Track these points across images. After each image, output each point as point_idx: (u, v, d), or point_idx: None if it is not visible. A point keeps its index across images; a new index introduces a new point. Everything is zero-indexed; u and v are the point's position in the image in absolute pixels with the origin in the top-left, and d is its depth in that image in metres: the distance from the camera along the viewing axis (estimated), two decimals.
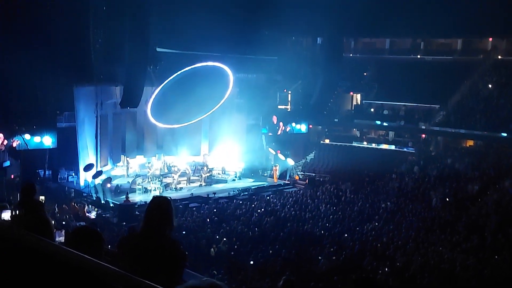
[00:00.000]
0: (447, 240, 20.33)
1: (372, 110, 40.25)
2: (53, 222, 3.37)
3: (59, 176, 29.42)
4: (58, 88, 28.34)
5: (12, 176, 25.47)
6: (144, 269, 3.46)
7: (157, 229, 3.64)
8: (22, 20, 26.39)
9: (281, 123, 36.69)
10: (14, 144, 25.25)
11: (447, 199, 26.38)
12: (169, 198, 3.93)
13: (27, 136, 25.96)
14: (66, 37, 27.15)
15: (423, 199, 26.96)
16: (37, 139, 26.72)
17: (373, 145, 38.68)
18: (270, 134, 36.44)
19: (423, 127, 36.47)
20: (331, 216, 23.56)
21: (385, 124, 38.32)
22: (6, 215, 6.11)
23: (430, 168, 31.77)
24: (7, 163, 25.33)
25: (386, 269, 17.07)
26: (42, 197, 19.46)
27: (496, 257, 18.03)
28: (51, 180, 28.92)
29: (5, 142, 24.61)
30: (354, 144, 39.11)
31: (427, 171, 31.39)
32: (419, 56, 42.10)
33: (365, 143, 39.13)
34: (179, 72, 30.39)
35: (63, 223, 20.48)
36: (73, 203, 24.52)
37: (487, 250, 18.76)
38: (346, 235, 20.94)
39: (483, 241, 19.96)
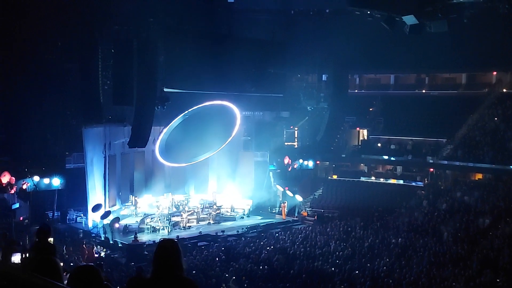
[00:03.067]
0: (460, 275, 20.02)
1: (379, 145, 40.28)
2: (62, 264, 3.41)
3: (67, 217, 29.43)
4: (67, 129, 28.75)
5: (21, 218, 25.53)
6: None
7: (167, 271, 3.64)
8: (31, 62, 26.98)
9: (289, 161, 36.76)
10: (24, 186, 25.43)
11: (459, 234, 26.08)
12: (175, 239, 3.95)
13: (36, 178, 26.14)
14: (75, 79, 27.71)
15: (433, 234, 26.69)
16: (46, 180, 26.91)
17: (381, 180, 38.57)
18: (278, 170, 36.46)
19: (431, 161, 36.38)
20: (341, 253, 23.32)
21: (392, 158, 38.29)
22: (17, 258, 6.16)
23: (439, 202, 31.55)
24: (16, 205, 25.45)
25: None
26: (51, 239, 19.43)
27: None
28: (60, 221, 28.92)
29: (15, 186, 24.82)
30: (362, 179, 39.03)
31: (436, 205, 31.16)
32: (424, 91, 42.33)
33: (373, 178, 39.03)
34: (186, 112, 30.72)
35: (71, 264, 20.39)
36: (82, 245, 24.48)
37: (501, 285, 18.44)
38: (357, 271, 20.66)
39: (496, 275, 19.64)
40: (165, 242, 3.86)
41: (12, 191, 24.78)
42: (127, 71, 25.82)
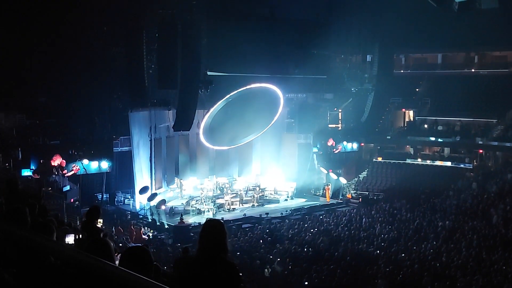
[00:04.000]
0: (511, 258, 19.49)
1: (425, 126, 39.44)
2: (112, 245, 3.49)
3: (116, 199, 30.21)
4: (114, 114, 29.37)
5: (72, 200, 26.36)
6: None
7: (212, 252, 3.67)
8: (79, 49, 27.60)
9: (333, 143, 36.47)
10: (74, 170, 26.23)
11: (509, 216, 25.35)
12: (222, 220, 3.97)
13: (85, 161, 26.89)
14: (121, 64, 28.19)
15: (483, 216, 26.03)
16: (94, 163, 27.64)
17: (428, 162, 37.79)
18: (320, 153, 36.24)
19: (480, 142, 35.36)
20: (386, 235, 23.07)
21: (439, 140, 37.45)
22: (70, 239, 6.36)
23: (489, 184, 30.69)
24: (67, 188, 26.28)
25: None
26: (100, 221, 20.04)
27: None
28: (109, 203, 29.73)
29: (65, 171, 25.64)
30: (408, 161, 38.35)
31: (486, 187, 30.33)
32: (473, 70, 41.07)
33: (419, 160, 38.28)
34: (230, 95, 30.84)
35: (120, 244, 20.96)
36: (131, 226, 25.12)
37: None
38: (403, 254, 20.41)
39: None
40: (212, 222, 3.89)
41: (67, 174, 25.57)
42: (171, 55, 26.06)
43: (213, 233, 3.75)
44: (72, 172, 26.03)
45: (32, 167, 24.99)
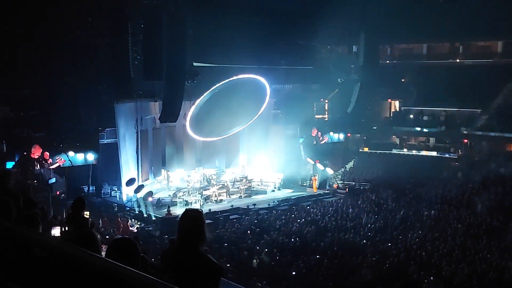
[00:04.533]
0: (495, 247, 19.77)
1: (411, 116, 39.70)
2: (99, 237, 3.49)
3: (102, 191, 30.06)
4: (99, 105, 29.14)
5: (58, 193, 26.17)
6: (183, 282, 3.55)
7: (190, 242, 3.69)
8: (63, 39, 27.28)
9: (319, 133, 36.57)
10: (59, 162, 26.01)
11: (493, 205, 25.68)
12: (200, 210, 3.97)
13: (71, 153, 26.69)
14: (106, 55, 27.94)
15: (468, 206, 26.34)
16: (80, 155, 27.44)
17: (414, 152, 38.10)
18: (306, 143, 36.32)
19: (465, 132, 35.70)
20: (373, 225, 23.27)
21: (425, 130, 37.75)
22: (56, 231, 6.33)
23: (474, 173, 31.03)
24: (53, 180, 26.07)
25: (432, 278, 16.72)
26: (87, 213, 19.89)
27: None
28: (95, 195, 29.57)
29: (50, 160, 25.36)
30: (394, 151, 38.61)
31: (471, 176, 30.66)
32: (458, 60, 41.29)
33: (405, 150, 38.57)
34: (216, 86, 30.74)
35: (107, 237, 20.89)
36: (118, 218, 25.01)
37: None
38: (389, 244, 20.61)
39: None
40: (189, 212, 3.89)
41: (52, 166, 25.35)
42: (157, 46, 25.90)
43: (191, 222, 3.76)
44: (57, 164, 25.80)
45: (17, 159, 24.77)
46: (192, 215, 3.83)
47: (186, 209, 4.10)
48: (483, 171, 31.00)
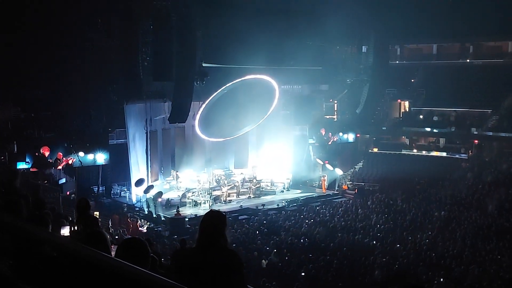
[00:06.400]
0: (506, 248, 19.62)
1: (421, 116, 39.49)
2: (108, 237, 3.51)
3: (112, 192, 30.18)
4: (109, 106, 29.29)
5: (68, 193, 26.34)
6: (204, 281, 3.56)
7: (212, 240, 3.76)
8: (74, 41, 27.45)
9: (330, 134, 36.48)
10: (70, 162, 26.22)
11: (504, 206, 25.49)
12: (224, 212, 4.03)
13: (81, 154, 26.85)
14: (116, 56, 28.07)
15: (478, 206, 26.16)
16: (90, 156, 27.59)
17: (424, 153, 37.91)
18: (317, 144, 36.27)
19: (475, 133, 35.46)
20: (382, 226, 23.17)
21: (435, 130, 37.53)
22: (66, 231, 6.37)
23: (484, 174, 30.82)
24: (63, 180, 26.26)
25: (442, 279, 16.62)
26: (96, 213, 20.06)
27: None
28: (105, 195, 29.70)
29: (64, 160, 25.68)
30: (404, 152, 38.43)
31: (481, 177, 30.45)
32: (468, 61, 41.04)
33: (415, 150, 38.38)
34: (225, 86, 30.77)
35: (116, 237, 20.98)
36: (127, 218, 25.11)
37: None
38: (398, 245, 20.52)
39: None
40: (213, 212, 3.99)
41: (60, 165, 25.57)
42: (166, 47, 25.97)
43: (215, 223, 3.84)
44: (64, 163, 26.05)
45: (28, 160, 24.94)
46: (216, 214, 3.97)
47: (210, 210, 4.21)
48: (494, 171, 30.79)
